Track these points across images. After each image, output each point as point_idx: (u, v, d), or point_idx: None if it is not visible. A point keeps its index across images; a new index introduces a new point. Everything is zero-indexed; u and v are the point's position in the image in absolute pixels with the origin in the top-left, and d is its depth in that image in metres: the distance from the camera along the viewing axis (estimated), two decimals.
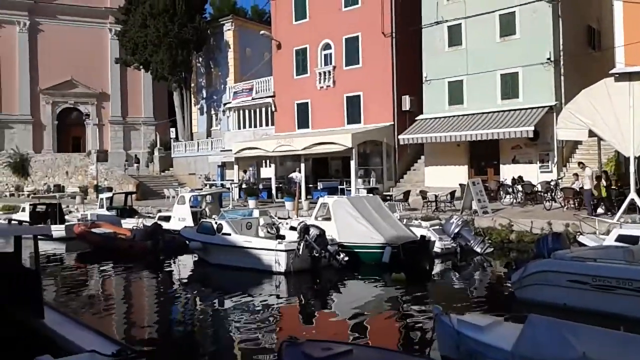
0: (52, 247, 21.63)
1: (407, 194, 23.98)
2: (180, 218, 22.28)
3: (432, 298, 12.79)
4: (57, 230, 22.20)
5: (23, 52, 49.96)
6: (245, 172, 34.57)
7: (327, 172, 31.47)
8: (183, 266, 18.09)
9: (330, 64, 30.70)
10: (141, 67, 43.26)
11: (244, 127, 36.35)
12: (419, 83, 27.37)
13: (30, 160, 45.35)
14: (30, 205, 26.15)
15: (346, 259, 14.88)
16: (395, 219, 17.16)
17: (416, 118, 27.39)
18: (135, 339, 9.98)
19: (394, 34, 28.13)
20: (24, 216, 25.17)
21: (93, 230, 21.27)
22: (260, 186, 31.94)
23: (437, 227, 17.43)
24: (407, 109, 28.26)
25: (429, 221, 18.72)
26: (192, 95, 44.59)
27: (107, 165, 42.06)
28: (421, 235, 15.97)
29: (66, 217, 26.42)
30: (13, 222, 23.54)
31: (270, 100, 34.22)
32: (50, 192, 38.90)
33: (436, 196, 22.37)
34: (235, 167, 33.21)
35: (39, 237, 7.59)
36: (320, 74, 30.97)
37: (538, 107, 23.43)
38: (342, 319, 11.01)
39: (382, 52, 28.49)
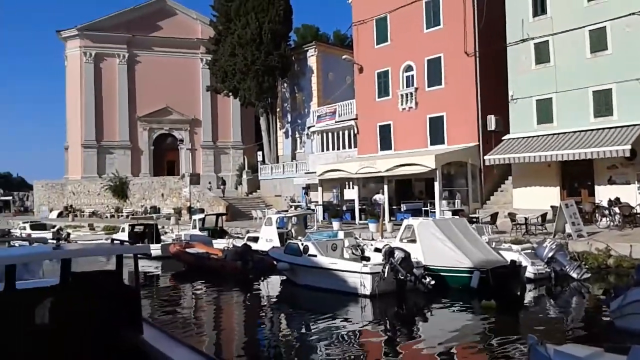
0: (149, 264, 22.95)
1: (494, 216, 23.37)
2: (267, 239, 22.99)
3: (525, 327, 12.26)
4: (154, 249, 23.50)
5: (122, 82, 53.83)
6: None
7: (410, 193, 31.29)
8: (271, 286, 18.58)
9: (412, 85, 30.72)
10: (230, 94, 45.22)
11: (328, 149, 36.96)
12: (505, 102, 26.74)
13: (129, 183, 48.41)
14: (129, 225, 27.91)
15: (432, 282, 14.67)
16: (483, 242, 16.79)
17: (503, 138, 26.74)
18: (226, 358, 10.36)
19: (477, 53, 27.79)
20: (124, 236, 26.87)
21: (187, 250, 22.35)
22: (344, 208, 32.27)
23: (529, 251, 16.82)
24: (493, 128, 27.64)
25: (519, 245, 18.13)
26: (278, 120, 45.96)
27: (199, 188, 44.08)
28: (511, 260, 15.47)
29: (162, 237, 27.94)
30: (115, 241, 25.24)
31: (352, 122, 34.65)
32: (147, 214, 41.33)
33: (526, 219, 21.64)
34: (319, 188, 33.80)
35: (138, 256, 7.90)
36: (402, 95, 31.05)
37: (634, 125, 22.22)
38: (429, 346, 10.82)
39: (465, 71, 28.18)
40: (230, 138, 56.94)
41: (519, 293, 14.69)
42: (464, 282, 14.99)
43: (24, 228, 35.48)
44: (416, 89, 30.46)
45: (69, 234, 33.38)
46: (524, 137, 25.76)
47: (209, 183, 48.56)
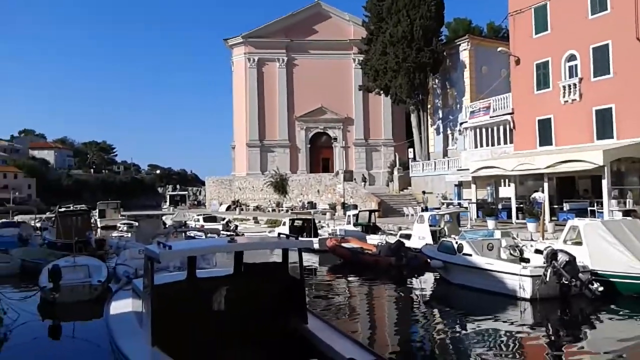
0: (307, 257, 24.34)
1: None
2: (420, 236, 23.20)
3: None
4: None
5: (282, 85, 57.27)
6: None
7: (574, 192, 29.33)
8: (425, 283, 18.77)
9: (576, 76, 28.72)
10: (381, 92, 45.91)
11: (481, 145, 35.95)
12: None
13: (287, 180, 51.43)
14: (290, 220, 29.80)
15: (601, 289, 13.81)
16: None
17: None
18: (382, 352, 10.79)
19: None
20: (285, 230, 28.72)
21: (343, 244, 23.39)
22: (500, 206, 31.25)
23: None
24: None
25: None
26: (429, 116, 45.67)
27: (352, 185, 45.44)
28: None
29: (318, 231, 29.40)
30: (281, 235, 27.12)
31: (508, 117, 33.32)
32: (304, 209, 43.60)
33: None
34: (473, 186, 33.07)
35: (302, 249, 8.43)
36: (564, 87, 29.19)
37: None
38: (595, 356, 10.29)
39: (637, 59, 25.75)
40: (381, 135, 57.81)
41: None
42: (637, 290, 13.96)
43: (198, 220, 39.51)
44: (580, 79, 28.46)
45: (236, 226, 36.54)
46: None
47: (364, 178, 49.77)
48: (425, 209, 35.38)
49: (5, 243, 24.46)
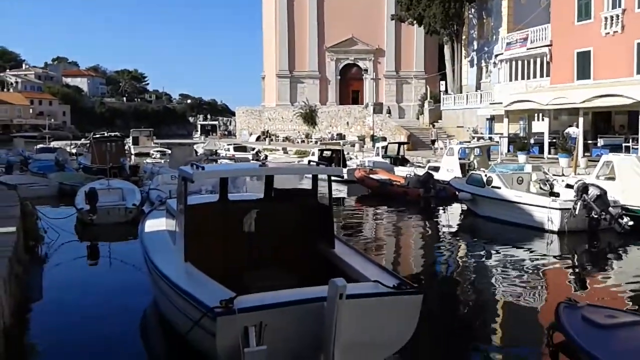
0: (335, 187, 24.61)
1: None
2: (448, 169, 23.15)
3: None
4: None
5: (312, 14, 55.93)
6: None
7: (609, 128, 28.61)
8: (452, 215, 18.93)
9: (619, 6, 27.29)
10: (414, 22, 44.52)
11: (516, 79, 34.96)
12: None
13: (317, 111, 51.28)
14: (319, 150, 29.98)
15: (630, 223, 13.72)
16: None
17: None
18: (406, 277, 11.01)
19: None
20: (314, 159, 29.00)
21: (371, 175, 23.53)
22: (532, 141, 30.76)
23: None
24: None
25: None
26: (463, 48, 44.33)
27: (382, 117, 45.06)
28: None
29: (347, 162, 29.54)
30: (311, 163, 27.40)
31: (546, 49, 32.12)
32: (333, 140, 43.69)
33: None
34: (505, 120, 32.47)
35: (332, 177, 8.34)
36: (606, 18, 27.82)
37: None
38: (622, 288, 10.30)
39: None
40: (413, 68, 56.58)
41: None
42: None
43: (228, 149, 40.03)
44: (623, 10, 27.04)
45: (266, 156, 36.95)
46: None
47: (388, 111, 49.16)
48: (432, 143, 35.53)
49: (43, 167, 25.37)
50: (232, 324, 5.21)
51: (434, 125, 39.02)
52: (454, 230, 16.98)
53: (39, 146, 37.30)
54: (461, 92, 42.87)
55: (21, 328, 7.42)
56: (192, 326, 5.62)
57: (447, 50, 44.26)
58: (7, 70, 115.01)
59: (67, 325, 8.05)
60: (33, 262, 11.09)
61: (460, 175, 21.30)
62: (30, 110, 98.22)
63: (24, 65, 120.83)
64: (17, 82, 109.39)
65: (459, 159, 23.50)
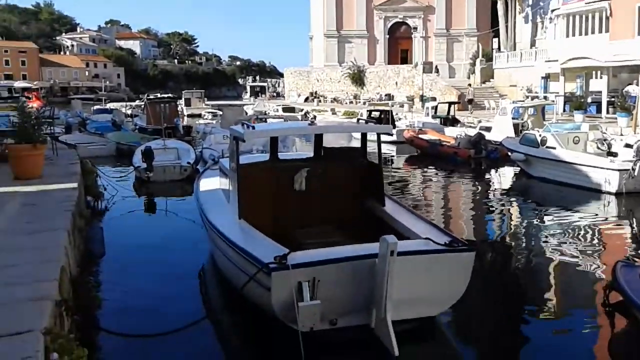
0: (384, 147, 24.42)
1: None
2: (501, 129, 22.61)
3: None
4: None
5: None
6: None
7: None
8: (504, 176, 18.59)
9: None
10: None
11: (573, 35, 33.31)
12: None
13: (365, 71, 50.59)
14: (367, 111, 29.75)
15: None
16: None
17: None
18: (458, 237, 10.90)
19: None
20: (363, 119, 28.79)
21: (420, 136, 23.27)
22: (589, 100, 29.56)
23: None
24: None
25: None
26: (517, 3, 42.55)
27: (431, 77, 44.12)
28: None
29: (396, 123, 29.25)
30: (360, 120, 27.26)
31: (605, 4, 30.32)
32: (381, 101, 43.18)
33: None
34: (561, 78, 31.26)
35: (381, 135, 8.26)
36: None
37: None
38: None
39: None
40: (464, 25, 54.68)
41: None
42: None
43: (277, 110, 40.22)
44: None
45: (315, 117, 36.96)
46: None
47: (436, 69, 47.96)
48: (469, 102, 34.67)
49: (101, 128, 26.33)
50: (286, 279, 5.35)
51: (470, 85, 38.13)
52: (505, 191, 16.72)
53: (95, 107, 38.54)
54: (515, 50, 41.39)
55: (86, 278, 7.85)
56: (248, 281, 5.81)
57: (500, 6, 42.60)
58: (63, 34, 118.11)
59: (127, 276, 8.45)
60: (94, 217, 11.63)
61: (513, 136, 20.80)
62: (86, 73, 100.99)
63: (78, 29, 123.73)
64: (72, 46, 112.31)
65: (512, 118, 22.88)
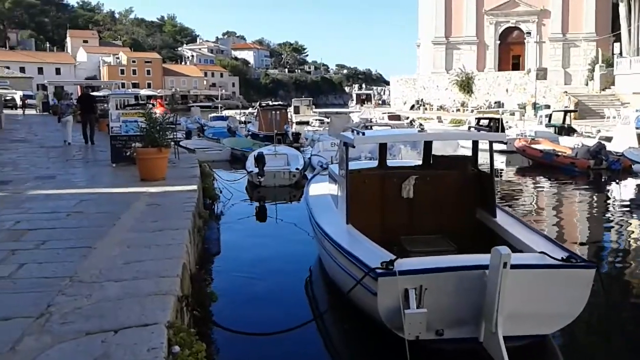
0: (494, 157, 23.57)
1: None
2: (623, 139, 21.09)
3: None
4: (500, 144, 23.95)
5: None
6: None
7: None
8: (625, 188, 17.37)
9: None
10: None
11: None
12: None
13: (473, 78, 49.27)
14: (475, 118, 28.96)
15: None
16: None
17: None
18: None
19: None
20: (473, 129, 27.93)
21: (533, 145, 22.25)
22: None
23: None
24: None
25: None
26: None
27: (545, 83, 42.05)
28: None
29: (506, 131, 28.14)
30: (471, 128, 26.61)
31: None
32: (490, 108, 41.82)
33: None
34: None
35: (493, 143, 7.99)
36: None
37: None
38: None
39: None
40: (581, 29, 51.42)
41: None
42: None
43: (383, 118, 40.15)
44: None
45: (421, 124, 36.54)
46: None
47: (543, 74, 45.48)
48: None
49: (217, 133, 28.11)
50: (393, 285, 5.36)
51: (566, 93, 35.64)
52: (627, 204, 15.53)
53: (212, 115, 40.91)
54: (638, 55, 38.34)
55: (203, 276, 8.35)
56: (355, 285, 5.85)
57: (622, 8, 39.75)
58: (184, 45, 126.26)
59: (239, 275, 8.89)
60: (211, 218, 12.33)
61: (637, 146, 19.36)
62: (204, 82, 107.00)
63: (198, 40, 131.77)
64: (192, 56, 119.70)
65: (636, 128, 21.25)
